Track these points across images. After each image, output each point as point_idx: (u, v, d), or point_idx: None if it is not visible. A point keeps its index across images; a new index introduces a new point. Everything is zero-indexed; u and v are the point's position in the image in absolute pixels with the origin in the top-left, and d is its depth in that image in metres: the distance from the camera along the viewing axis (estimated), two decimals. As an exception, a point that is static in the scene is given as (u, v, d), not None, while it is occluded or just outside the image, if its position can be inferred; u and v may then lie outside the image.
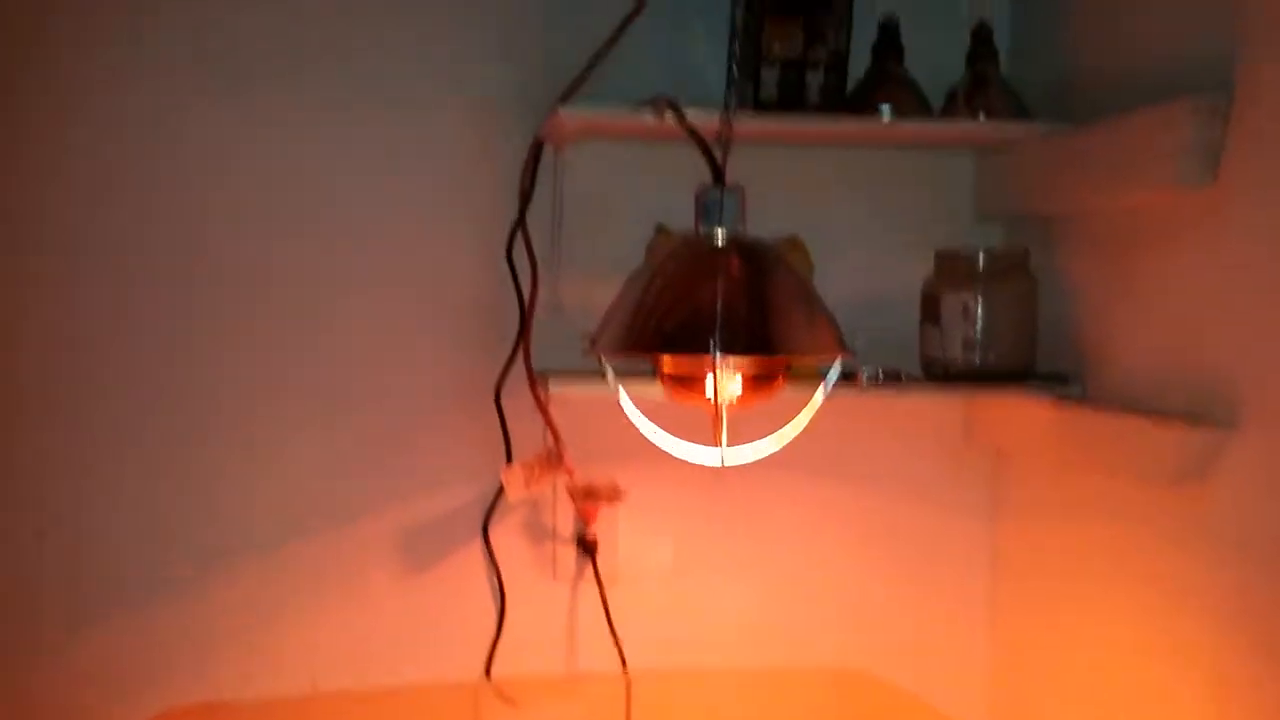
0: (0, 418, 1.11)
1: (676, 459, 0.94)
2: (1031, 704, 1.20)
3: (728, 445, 0.90)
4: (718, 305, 0.83)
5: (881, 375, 1.11)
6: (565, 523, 1.20)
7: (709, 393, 0.91)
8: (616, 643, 1.18)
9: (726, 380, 0.88)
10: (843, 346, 0.90)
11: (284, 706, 1.10)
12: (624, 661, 1.18)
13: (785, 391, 0.94)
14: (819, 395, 0.93)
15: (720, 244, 0.90)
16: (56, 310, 1.12)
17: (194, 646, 1.14)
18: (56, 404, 1.12)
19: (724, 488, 1.22)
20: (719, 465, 0.89)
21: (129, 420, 1.13)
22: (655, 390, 0.96)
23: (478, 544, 1.19)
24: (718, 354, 0.82)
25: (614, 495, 1.14)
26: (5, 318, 1.11)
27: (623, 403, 0.94)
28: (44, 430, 1.12)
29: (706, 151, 0.92)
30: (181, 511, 1.14)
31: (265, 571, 1.16)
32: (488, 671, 1.18)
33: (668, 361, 0.93)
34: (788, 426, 0.93)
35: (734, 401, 0.90)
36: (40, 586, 1.12)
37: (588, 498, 1.14)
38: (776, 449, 0.92)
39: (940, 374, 1.15)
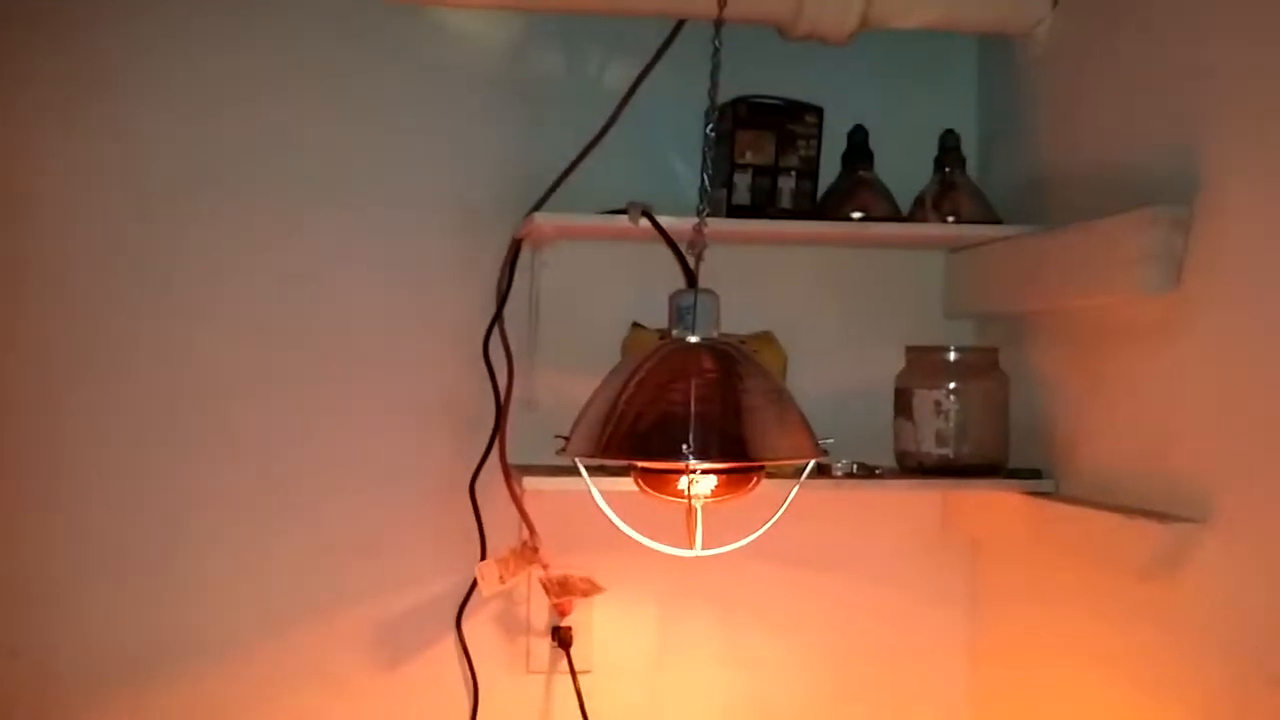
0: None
1: (652, 550, 0.95)
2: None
3: (703, 538, 0.91)
4: (691, 410, 0.84)
5: (856, 469, 1.13)
6: (540, 615, 1.20)
7: (682, 489, 0.92)
8: (591, 739, 1.18)
9: (700, 481, 0.89)
10: (816, 448, 0.90)
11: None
12: (600, 760, 1.18)
13: (761, 487, 0.95)
14: (792, 494, 0.94)
15: (693, 347, 0.92)
16: (36, 417, 1.14)
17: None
18: (32, 515, 1.13)
19: (701, 578, 1.22)
20: (693, 556, 0.90)
21: (107, 520, 1.14)
22: (629, 485, 0.97)
23: (451, 637, 1.19)
24: (691, 459, 0.83)
25: (589, 589, 1.14)
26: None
27: (596, 500, 0.95)
28: (18, 542, 1.13)
29: (680, 257, 0.94)
30: (159, 606, 1.15)
31: (241, 665, 1.16)
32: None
33: (641, 463, 0.94)
34: (761, 528, 0.93)
35: (708, 499, 0.91)
36: (15, 698, 1.12)
37: (563, 591, 1.14)
38: (748, 542, 0.93)
39: (914, 467, 1.16)
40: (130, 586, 1.14)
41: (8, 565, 1.12)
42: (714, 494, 0.93)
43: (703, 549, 0.91)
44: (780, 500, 0.93)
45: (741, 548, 1.01)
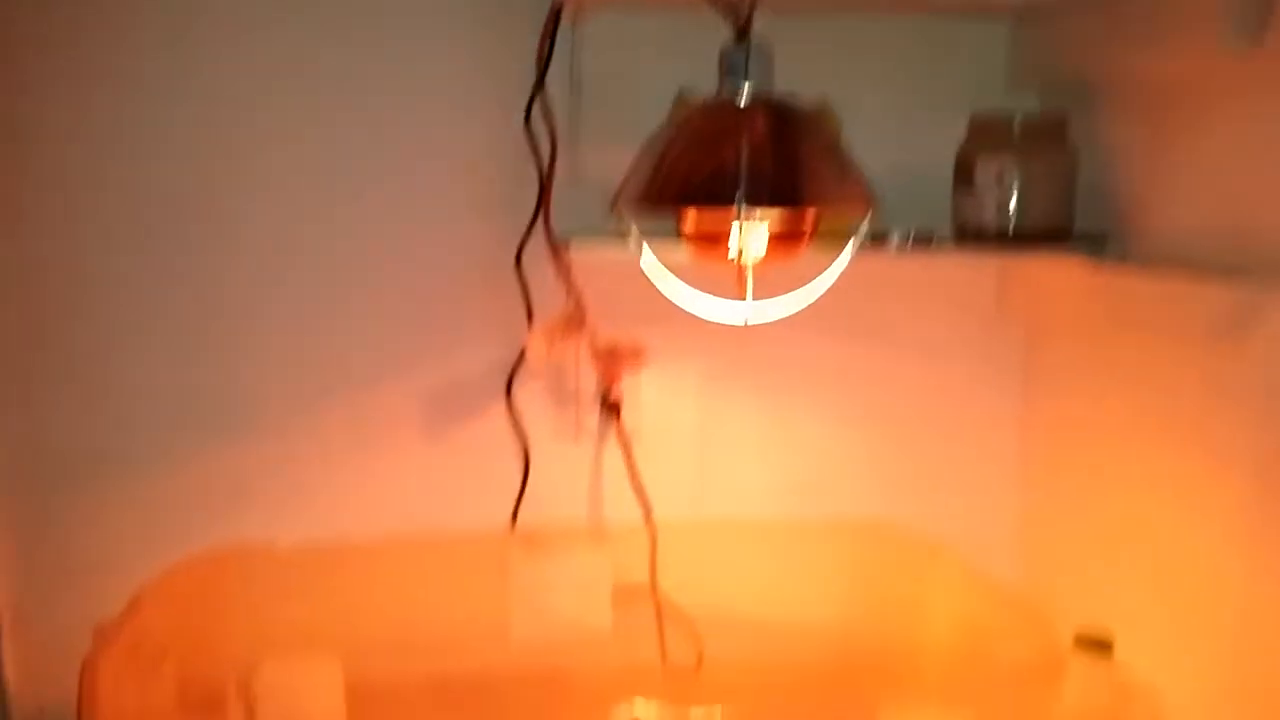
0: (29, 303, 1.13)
1: (701, 321, 0.94)
2: (1062, 561, 1.22)
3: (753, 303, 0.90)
4: (743, 158, 0.81)
5: (913, 237, 1.10)
6: (588, 385, 1.21)
7: (733, 251, 0.90)
8: (641, 498, 1.20)
9: (752, 235, 0.87)
10: (872, 198, 0.88)
11: (312, 555, 1.13)
12: (648, 515, 1.21)
13: (812, 254, 0.93)
14: (848, 250, 0.92)
15: (746, 100, 0.88)
16: (73, 200, 1.12)
17: (220, 499, 1.17)
18: (76, 288, 1.14)
19: (749, 350, 1.22)
20: (743, 323, 0.89)
21: (150, 294, 1.14)
22: (678, 252, 0.95)
23: (501, 407, 1.20)
24: (743, 206, 0.81)
25: (637, 357, 1.14)
26: (17, 210, 1.11)
27: (645, 261, 0.93)
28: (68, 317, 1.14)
29: (729, 14, 0.88)
30: (207, 372, 1.16)
31: (292, 429, 1.18)
32: (513, 521, 1.21)
33: (691, 219, 0.92)
34: (815, 281, 0.92)
35: (759, 259, 0.89)
36: (68, 437, 1.15)
37: (611, 360, 1.14)
38: (803, 305, 0.92)
39: (974, 238, 1.13)
40: (177, 358, 1.16)
41: (57, 339, 1.14)
42: (766, 255, 0.91)
43: (753, 312, 0.90)
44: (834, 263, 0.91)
45: (790, 320, 1.01)
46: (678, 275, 0.94)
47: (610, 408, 1.20)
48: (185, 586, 1.02)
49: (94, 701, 0.77)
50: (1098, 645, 1.00)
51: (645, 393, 1.21)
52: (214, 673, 1.05)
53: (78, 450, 1.15)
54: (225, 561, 1.10)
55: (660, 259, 0.94)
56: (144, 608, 0.93)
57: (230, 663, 1.06)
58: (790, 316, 1.20)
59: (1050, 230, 1.12)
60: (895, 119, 1.19)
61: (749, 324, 0.90)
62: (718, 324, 0.93)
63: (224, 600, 1.09)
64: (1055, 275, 1.13)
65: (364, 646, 1.10)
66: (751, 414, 1.26)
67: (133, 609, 0.92)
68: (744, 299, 0.90)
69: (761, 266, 0.90)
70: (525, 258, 1.15)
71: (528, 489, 1.21)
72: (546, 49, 1.11)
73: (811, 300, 0.92)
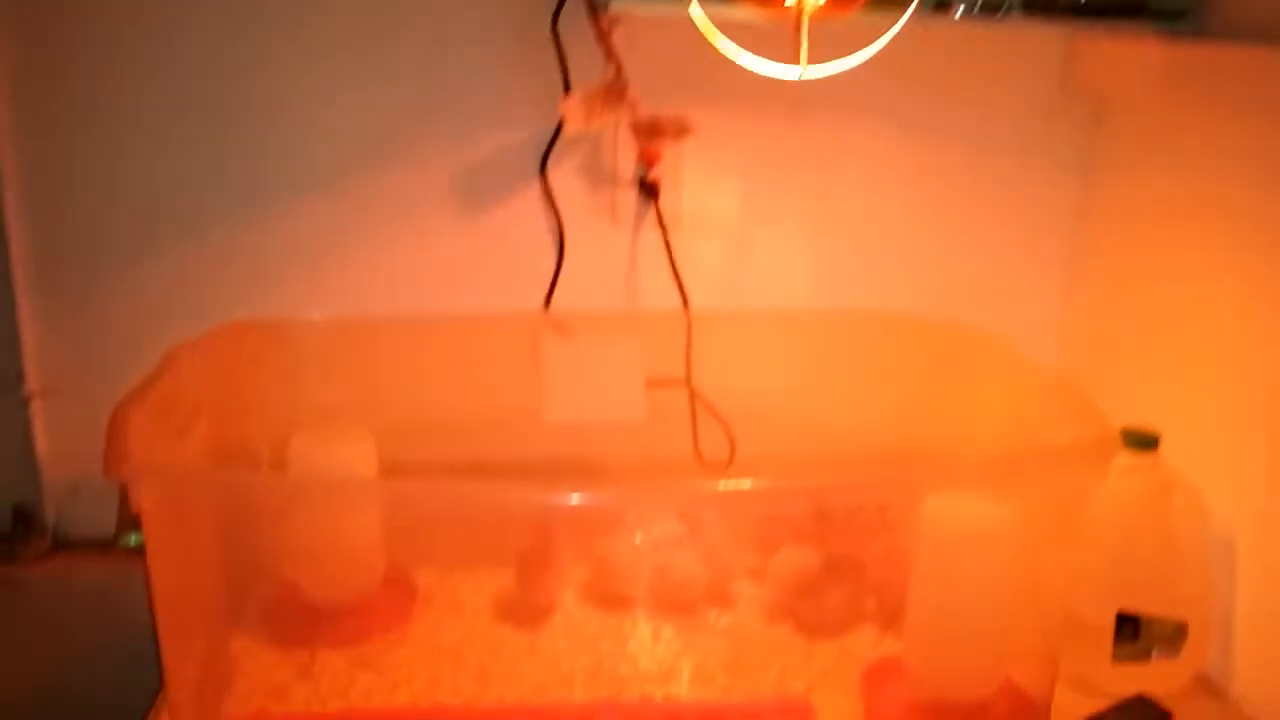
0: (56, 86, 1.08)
1: (747, 101, 0.88)
2: (1107, 357, 1.19)
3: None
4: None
5: (980, 4, 1.02)
6: (626, 165, 1.16)
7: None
8: (679, 283, 1.17)
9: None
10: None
11: (341, 328, 1.11)
12: (685, 300, 1.17)
13: (871, 16, 0.86)
14: (910, 9, 0.86)
15: None
16: None
17: (246, 278, 1.15)
18: (102, 73, 1.09)
19: (796, 134, 1.17)
20: (798, 77, 0.83)
21: (181, 75, 1.10)
22: (728, 10, 0.89)
23: (535, 185, 1.16)
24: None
25: (680, 130, 1.08)
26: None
27: (693, 10, 0.87)
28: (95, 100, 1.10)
29: None
30: (233, 150, 1.12)
31: (319, 203, 1.14)
32: (547, 304, 1.18)
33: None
34: (874, 43, 0.86)
35: (817, 6, 0.82)
36: (97, 217, 1.12)
37: (652, 134, 1.09)
38: (860, 61, 0.86)
39: (1044, 8, 1.06)
40: (204, 136, 1.11)
41: (85, 123, 1.10)
42: (822, 7, 0.84)
43: (808, 68, 0.85)
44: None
45: (841, 104, 0.95)
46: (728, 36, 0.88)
47: (649, 189, 1.15)
48: (217, 353, 1.00)
49: (121, 457, 0.75)
50: (1142, 441, 0.98)
51: (686, 175, 1.16)
52: (246, 441, 1.05)
53: (107, 230, 1.12)
54: (256, 331, 1.08)
55: (710, 18, 0.88)
56: (175, 370, 0.91)
57: (262, 433, 1.06)
58: (842, 101, 1.15)
59: (1124, 2, 1.04)
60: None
61: (803, 79, 0.84)
62: (764, 104, 0.88)
63: (255, 370, 1.07)
64: (1127, 49, 1.06)
65: (393, 426, 1.08)
66: (796, 202, 1.21)
67: (163, 370, 0.90)
68: (799, 56, 0.83)
69: (818, 17, 0.83)
70: (562, 21, 1.08)
71: (562, 273, 1.18)
72: None
73: (869, 55, 0.86)
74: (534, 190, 1.16)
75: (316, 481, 0.87)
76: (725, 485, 0.79)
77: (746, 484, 0.77)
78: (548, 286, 1.18)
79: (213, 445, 0.95)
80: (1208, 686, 1.00)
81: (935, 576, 0.88)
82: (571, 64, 1.10)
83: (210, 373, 0.97)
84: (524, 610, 1.04)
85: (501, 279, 1.18)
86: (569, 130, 1.08)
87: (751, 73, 0.89)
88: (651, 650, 0.99)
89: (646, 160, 1.13)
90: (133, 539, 1.13)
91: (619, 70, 1.07)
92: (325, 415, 1.07)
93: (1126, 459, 0.96)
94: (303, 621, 1.00)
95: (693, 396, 1.17)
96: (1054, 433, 0.85)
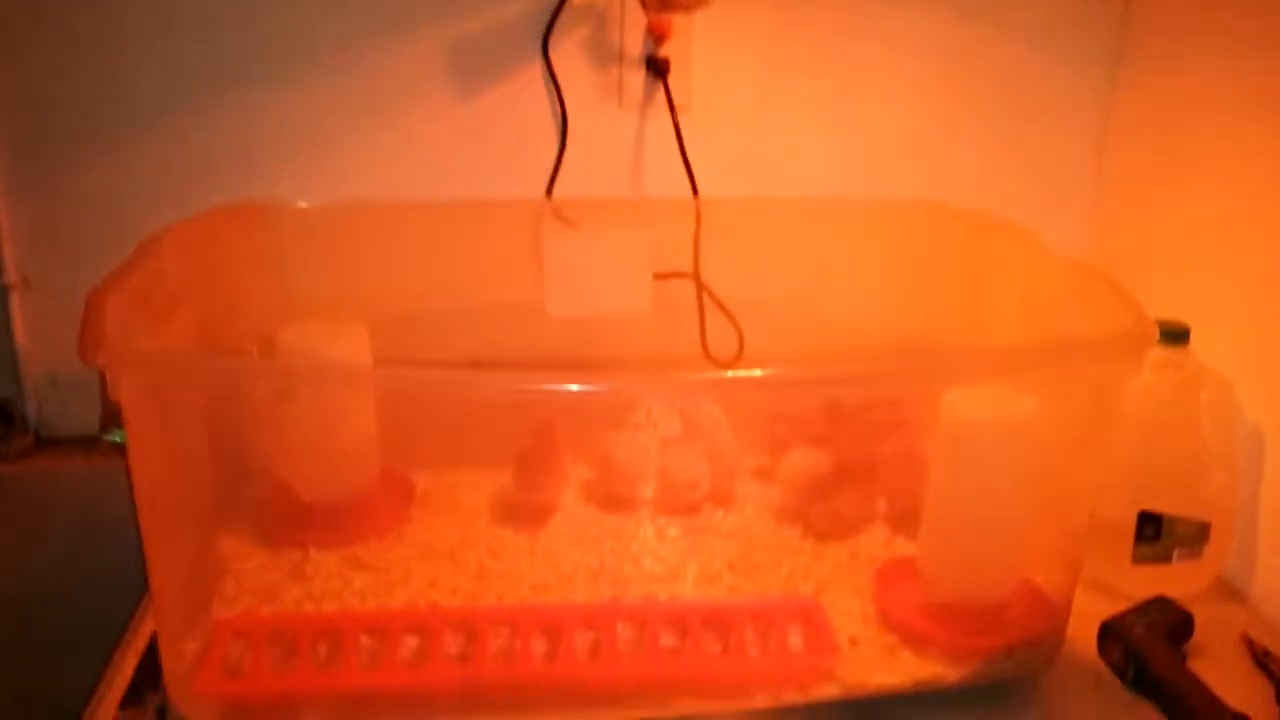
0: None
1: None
2: (1136, 250, 1.14)
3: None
4: None
5: None
6: (634, 43, 1.09)
7: None
8: (688, 168, 1.11)
9: None
10: None
11: (332, 214, 1.06)
12: (695, 188, 1.11)
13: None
14: None
15: None
16: None
17: (231, 162, 1.09)
18: None
19: (815, 7, 1.10)
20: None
21: None
22: None
23: (537, 63, 1.09)
24: None
25: (693, 2, 1.01)
26: None
27: None
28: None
29: None
30: (218, 25, 1.06)
31: (307, 82, 1.08)
32: (549, 192, 1.12)
33: None
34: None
35: None
36: (77, 99, 1.06)
37: (663, 5, 1.02)
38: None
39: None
40: (188, 13, 1.05)
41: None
42: None
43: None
44: None
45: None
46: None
47: (658, 67, 1.08)
48: (200, 238, 0.94)
49: (98, 342, 0.70)
50: (1172, 334, 0.94)
51: (698, 52, 1.09)
52: (232, 332, 1.00)
53: (85, 113, 1.06)
54: (243, 217, 1.02)
55: None
56: (156, 255, 0.85)
57: (249, 324, 1.01)
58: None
59: None
60: None
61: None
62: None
63: (242, 257, 1.02)
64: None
65: (387, 319, 1.02)
66: (814, 83, 1.14)
67: (143, 254, 0.84)
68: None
69: None
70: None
71: (565, 159, 1.12)
72: None
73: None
74: (535, 69, 1.09)
75: (308, 366, 0.82)
76: (736, 375, 0.74)
77: (758, 374, 0.72)
78: (550, 173, 1.12)
79: (196, 336, 0.90)
80: (1228, 589, 0.97)
81: (954, 473, 0.84)
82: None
83: (193, 259, 0.91)
84: (524, 511, 1.00)
85: (501, 164, 1.12)
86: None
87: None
88: (656, 551, 0.96)
89: (656, 35, 1.06)
90: (117, 436, 1.09)
91: (626, -65, 1.00)
92: (316, 306, 1.03)
93: (1155, 352, 0.92)
94: (295, 521, 0.97)
95: (701, 289, 1.12)
96: (1086, 324, 0.81)
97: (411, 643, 0.83)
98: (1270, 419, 0.95)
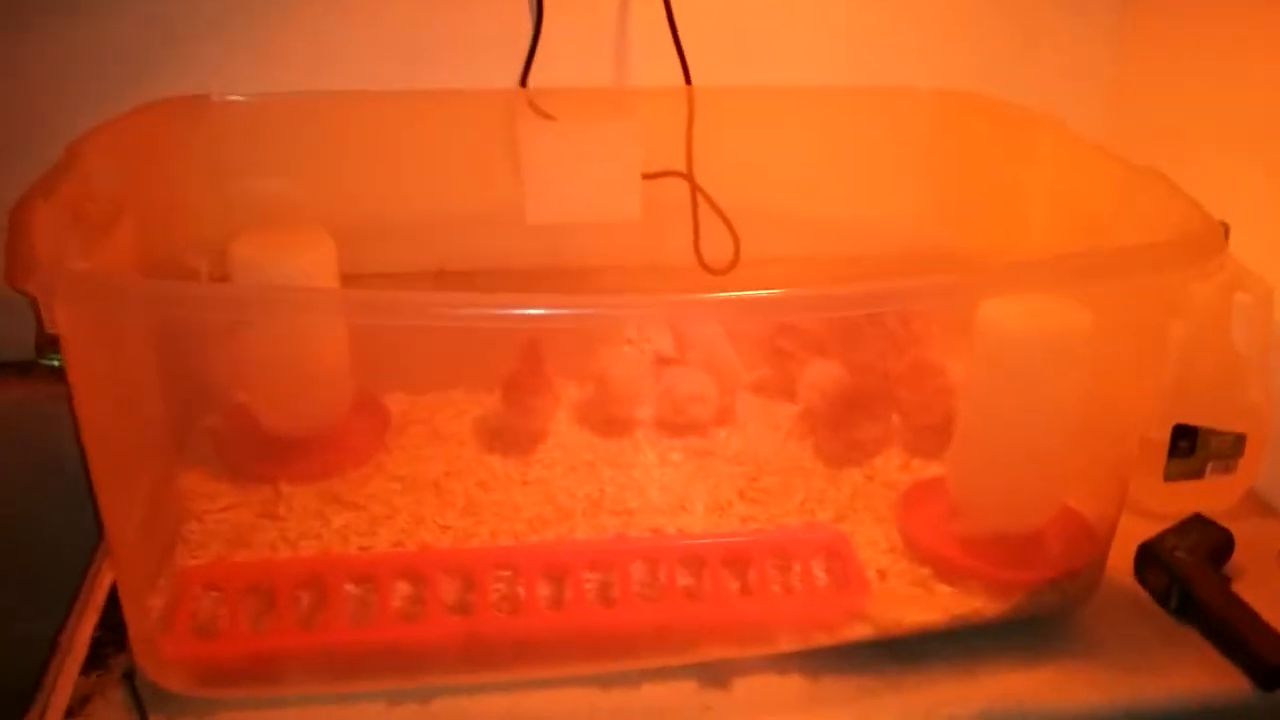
0: None
1: None
2: (1163, 134, 1.06)
3: None
4: None
5: None
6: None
7: None
8: (680, 53, 1.00)
9: None
10: None
11: (282, 109, 0.94)
12: (688, 76, 1.01)
13: None
14: None
15: None
16: None
17: (174, 38, 0.97)
18: None
19: None
20: None
21: None
22: None
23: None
24: None
25: None
26: None
27: None
28: None
29: None
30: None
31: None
32: (523, 81, 1.01)
33: None
34: None
35: None
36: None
37: None
38: None
39: None
40: None
41: None
42: None
43: None
44: None
45: None
46: None
47: (645, -61, 0.97)
48: (132, 140, 0.83)
49: (27, 265, 0.60)
50: (1208, 234, 0.86)
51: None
52: (176, 244, 0.89)
53: None
54: (178, 114, 0.91)
55: None
56: (83, 162, 0.74)
57: (195, 234, 0.91)
58: None
59: None
60: None
61: None
62: None
63: (180, 159, 0.92)
64: None
65: (349, 228, 0.92)
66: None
67: (69, 162, 0.73)
68: None
69: None
70: None
71: (540, 42, 1.01)
72: None
73: None
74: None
75: (271, 293, 0.72)
76: (743, 295, 0.65)
77: (776, 293, 0.63)
78: (525, 59, 1.01)
79: (136, 253, 0.79)
80: (1260, 504, 0.92)
81: (990, 392, 0.77)
82: None
83: (126, 164, 0.80)
84: (513, 436, 0.93)
85: (469, 49, 1.01)
86: None
87: None
88: (659, 478, 0.89)
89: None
90: (55, 360, 0.98)
91: None
92: (266, 213, 0.93)
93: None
94: (261, 453, 0.88)
95: (695, 190, 1.03)
96: (1138, 228, 0.73)
97: (403, 589, 0.75)
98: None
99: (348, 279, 0.90)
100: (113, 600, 0.76)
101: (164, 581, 0.75)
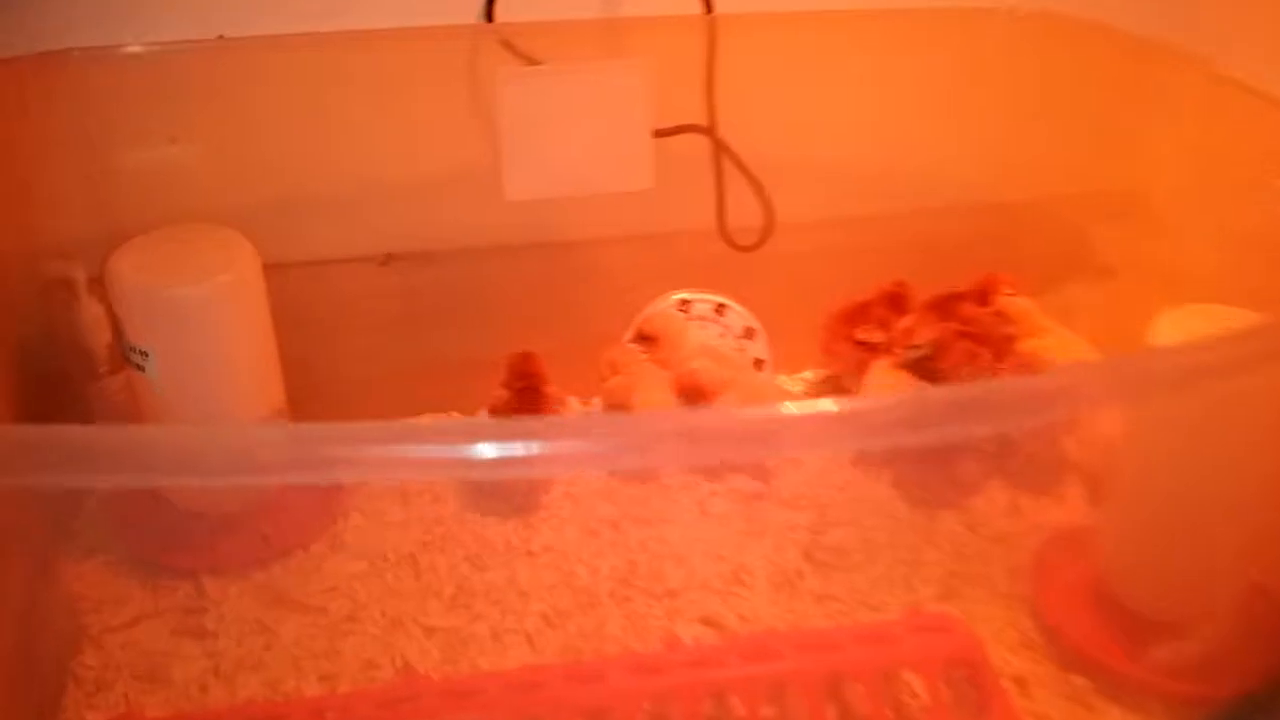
0: None
1: None
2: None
3: None
4: None
5: None
6: None
7: None
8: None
9: None
10: None
11: (181, 58, 0.73)
12: (709, 1, 0.78)
13: None
14: None
15: None
16: None
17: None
18: None
19: None
20: None
21: None
22: None
23: None
24: None
25: None
26: None
27: None
28: None
29: None
30: None
31: None
32: (489, 14, 0.78)
33: None
34: None
35: None
36: None
37: None
38: None
39: None
40: None
41: None
42: None
43: None
44: None
45: None
46: None
47: None
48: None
49: None
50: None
51: None
52: (37, 246, 0.69)
53: None
54: (43, 72, 0.70)
55: None
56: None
57: (63, 233, 0.71)
58: None
59: None
60: None
61: None
62: None
63: (42, 132, 0.70)
64: None
65: (272, 204, 0.76)
66: None
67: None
68: None
69: None
70: None
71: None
72: None
73: None
74: None
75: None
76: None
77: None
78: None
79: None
80: None
81: (1164, 436, 0.58)
82: None
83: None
84: (507, 486, 0.72)
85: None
86: None
87: None
88: (702, 534, 0.69)
89: None
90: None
91: None
92: (162, 202, 0.72)
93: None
94: (173, 536, 0.67)
95: (718, 146, 0.81)
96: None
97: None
98: None
99: (270, 269, 0.69)
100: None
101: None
